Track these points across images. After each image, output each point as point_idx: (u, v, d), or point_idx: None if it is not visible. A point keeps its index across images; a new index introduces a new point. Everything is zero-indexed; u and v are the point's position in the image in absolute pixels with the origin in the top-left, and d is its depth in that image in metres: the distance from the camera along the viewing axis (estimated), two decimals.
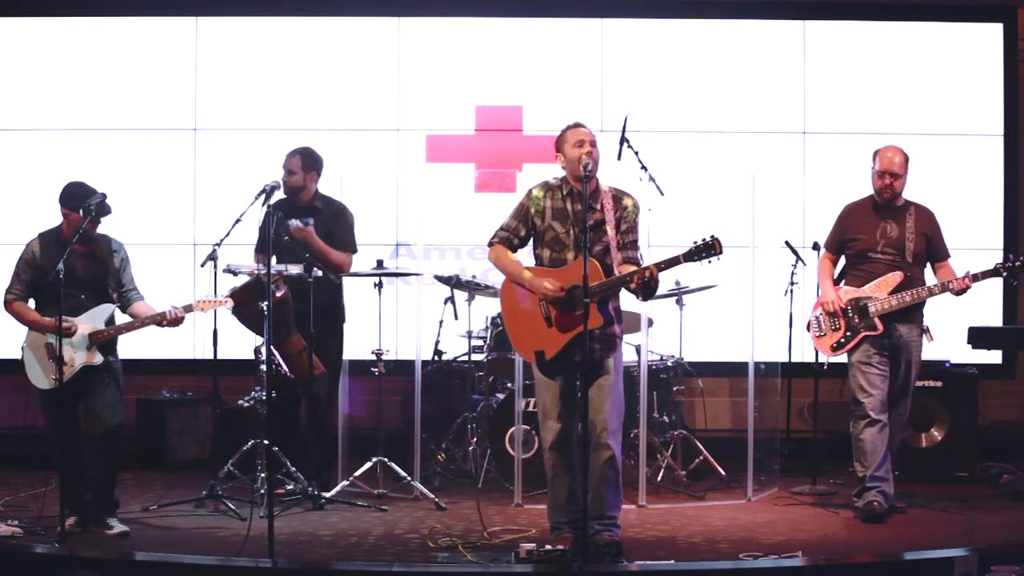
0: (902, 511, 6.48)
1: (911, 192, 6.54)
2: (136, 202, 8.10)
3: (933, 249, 6.48)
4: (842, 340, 6.44)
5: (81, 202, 5.92)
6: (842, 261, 6.65)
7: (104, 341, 5.97)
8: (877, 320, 6.35)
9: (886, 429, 6.37)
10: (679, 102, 8.52)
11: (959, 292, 6.28)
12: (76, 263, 5.95)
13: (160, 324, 6.02)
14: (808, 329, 6.64)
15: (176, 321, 6.02)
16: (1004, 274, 6.24)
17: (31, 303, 6.08)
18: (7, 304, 6.06)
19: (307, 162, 7.06)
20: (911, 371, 6.48)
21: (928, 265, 6.51)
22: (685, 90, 8.53)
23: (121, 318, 6.13)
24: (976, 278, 6.25)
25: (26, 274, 6.03)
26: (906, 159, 6.45)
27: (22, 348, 6.04)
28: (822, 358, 6.78)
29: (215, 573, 5.26)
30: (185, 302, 6.07)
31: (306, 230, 6.83)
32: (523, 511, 6.56)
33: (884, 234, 6.44)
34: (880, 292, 6.37)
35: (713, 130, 8.50)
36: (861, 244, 6.48)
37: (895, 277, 6.36)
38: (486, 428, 7.10)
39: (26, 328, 6.05)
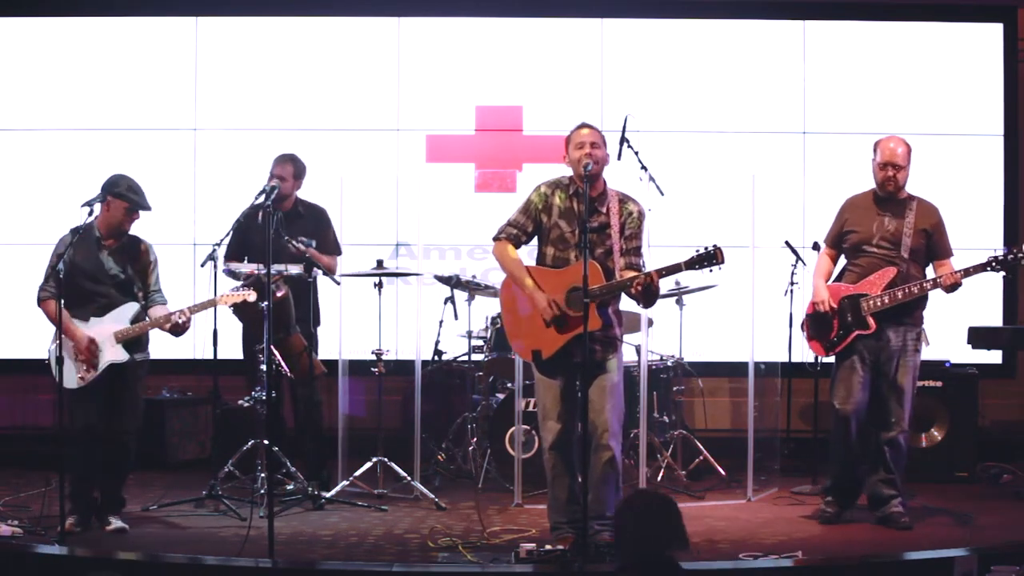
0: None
1: (912, 190, 6.51)
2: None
3: (933, 246, 6.23)
4: (835, 339, 6.21)
5: (133, 195, 5.93)
6: (842, 259, 6.45)
7: (129, 339, 5.97)
8: (869, 319, 6.11)
9: (861, 433, 6.17)
10: (679, 102, 8.52)
11: (950, 288, 6.05)
12: (107, 260, 5.94)
13: (163, 328, 6.00)
14: (802, 329, 6.47)
15: (176, 327, 5.96)
16: (998, 268, 5.98)
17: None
18: (40, 301, 6.03)
19: (297, 169, 7.11)
20: (902, 376, 6.14)
21: (930, 264, 6.26)
22: (685, 90, 8.53)
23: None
24: (968, 273, 6.02)
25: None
26: (909, 150, 6.22)
27: (49, 349, 5.99)
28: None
29: (215, 573, 5.26)
30: (201, 299, 6.03)
31: (308, 251, 6.83)
32: (523, 511, 6.55)
33: (881, 227, 6.19)
34: (873, 288, 6.14)
35: (713, 130, 8.50)
36: (857, 237, 6.24)
37: (888, 272, 6.12)
38: (486, 428, 7.10)
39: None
